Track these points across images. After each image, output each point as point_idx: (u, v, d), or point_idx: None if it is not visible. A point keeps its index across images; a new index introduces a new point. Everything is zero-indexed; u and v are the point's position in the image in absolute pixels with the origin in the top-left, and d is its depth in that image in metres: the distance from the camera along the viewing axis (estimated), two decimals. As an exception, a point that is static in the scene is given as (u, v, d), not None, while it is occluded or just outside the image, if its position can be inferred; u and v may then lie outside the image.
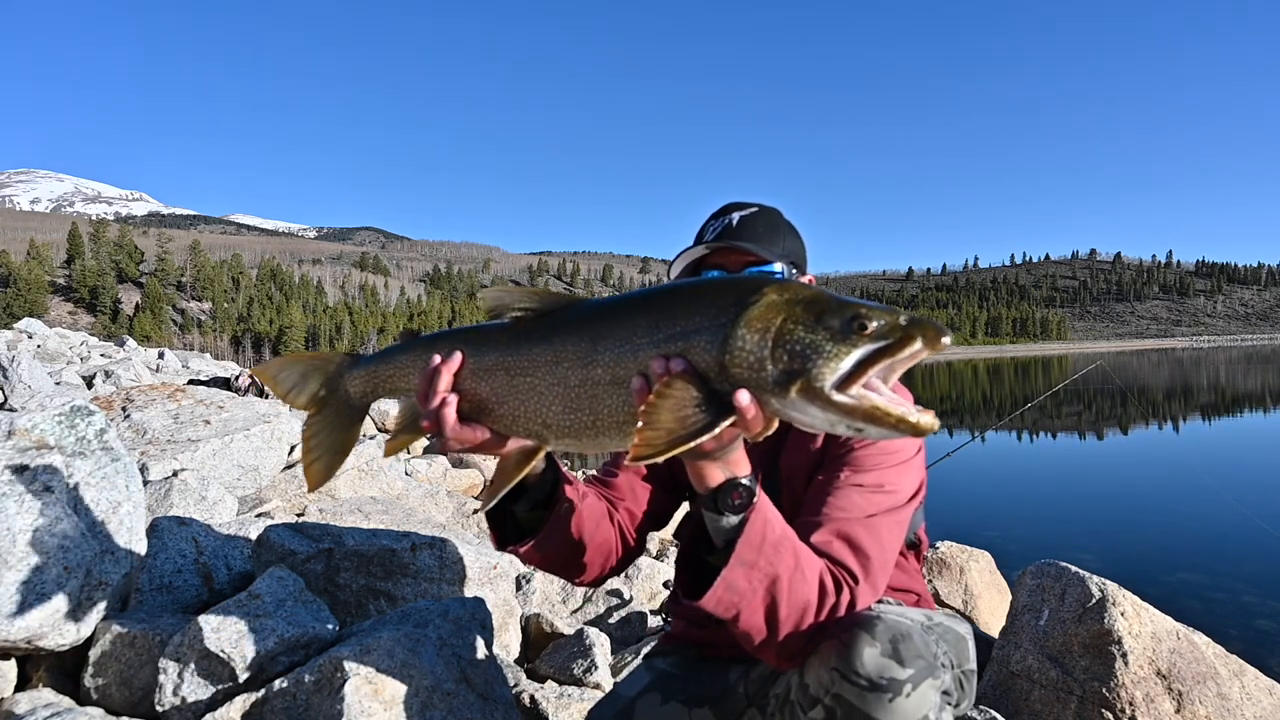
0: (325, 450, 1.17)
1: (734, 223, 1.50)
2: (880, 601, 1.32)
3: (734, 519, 1.09)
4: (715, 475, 1.07)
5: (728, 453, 1.05)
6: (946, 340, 0.86)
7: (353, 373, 1.18)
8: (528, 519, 1.32)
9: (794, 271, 1.49)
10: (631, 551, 1.55)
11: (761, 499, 1.10)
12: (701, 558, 1.19)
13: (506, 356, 1.02)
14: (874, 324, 0.85)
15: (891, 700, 1.08)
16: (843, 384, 0.84)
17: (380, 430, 9.37)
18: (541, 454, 1.07)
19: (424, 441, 4.34)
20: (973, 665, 1.34)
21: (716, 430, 0.88)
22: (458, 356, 1.05)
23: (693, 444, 0.88)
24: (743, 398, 0.88)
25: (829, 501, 1.27)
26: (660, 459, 0.87)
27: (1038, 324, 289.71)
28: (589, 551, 1.39)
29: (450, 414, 1.04)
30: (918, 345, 0.85)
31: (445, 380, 1.04)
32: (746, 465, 1.09)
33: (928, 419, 0.86)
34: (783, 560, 1.10)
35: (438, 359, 1.05)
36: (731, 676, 1.49)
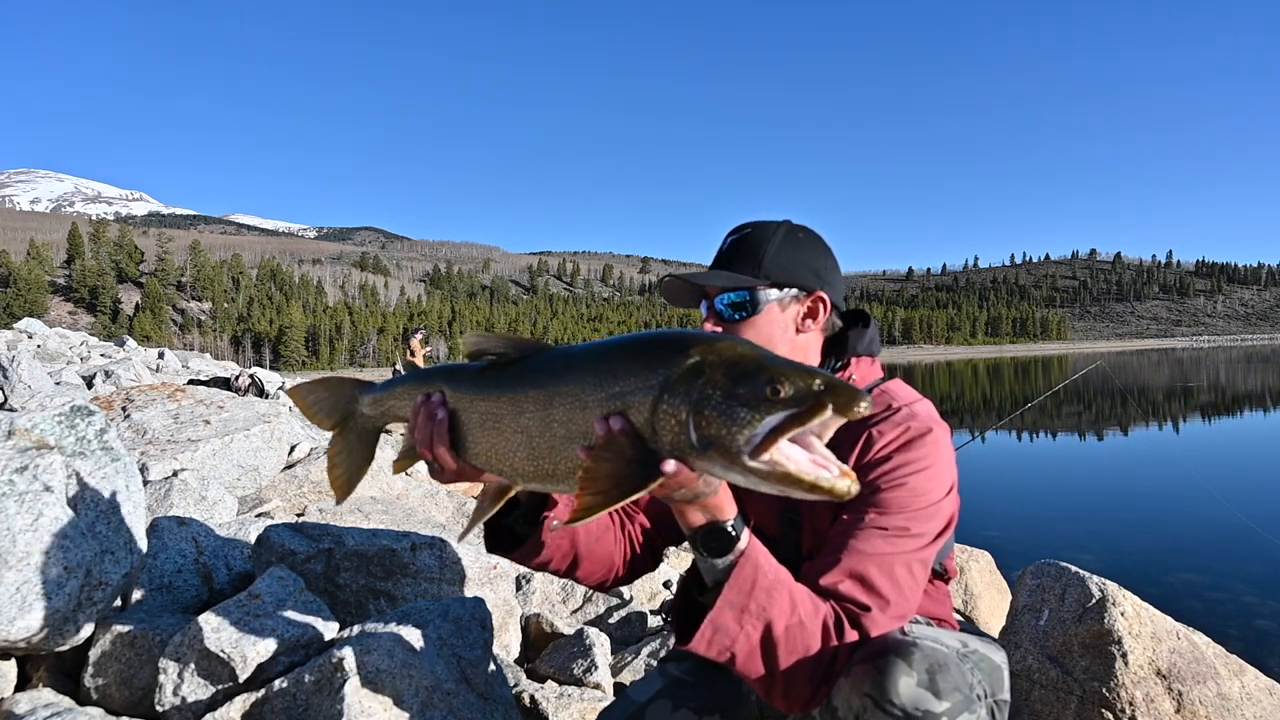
0: (343, 465, 1.30)
1: (725, 248, 1.48)
2: (913, 621, 1.30)
3: (719, 561, 1.10)
4: (696, 518, 1.08)
5: (703, 496, 1.04)
6: (862, 406, 0.85)
7: (363, 398, 1.29)
8: (524, 531, 1.39)
9: (781, 292, 1.41)
10: (640, 561, 1.56)
11: (751, 543, 1.10)
12: (693, 597, 1.20)
13: (479, 399, 1.10)
14: (786, 389, 0.85)
15: None
16: (758, 449, 0.85)
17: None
18: (513, 491, 1.14)
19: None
20: (1006, 696, 1.31)
21: (644, 491, 0.91)
22: (439, 393, 1.14)
23: (626, 501, 0.91)
24: (668, 466, 0.91)
25: (849, 543, 1.24)
26: (596, 516, 0.91)
27: (1038, 324, 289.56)
28: (585, 563, 1.47)
29: (435, 444, 1.13)
30: (827, 414, 0.84)
31: (428, 413, 1.14)
32: (729, 509, 1.09)
33: (844, 484, 0.86)
34: (776, 605, 1.10)
35: (423, 393, 1.16)
36: (745, 686, 1.47)
